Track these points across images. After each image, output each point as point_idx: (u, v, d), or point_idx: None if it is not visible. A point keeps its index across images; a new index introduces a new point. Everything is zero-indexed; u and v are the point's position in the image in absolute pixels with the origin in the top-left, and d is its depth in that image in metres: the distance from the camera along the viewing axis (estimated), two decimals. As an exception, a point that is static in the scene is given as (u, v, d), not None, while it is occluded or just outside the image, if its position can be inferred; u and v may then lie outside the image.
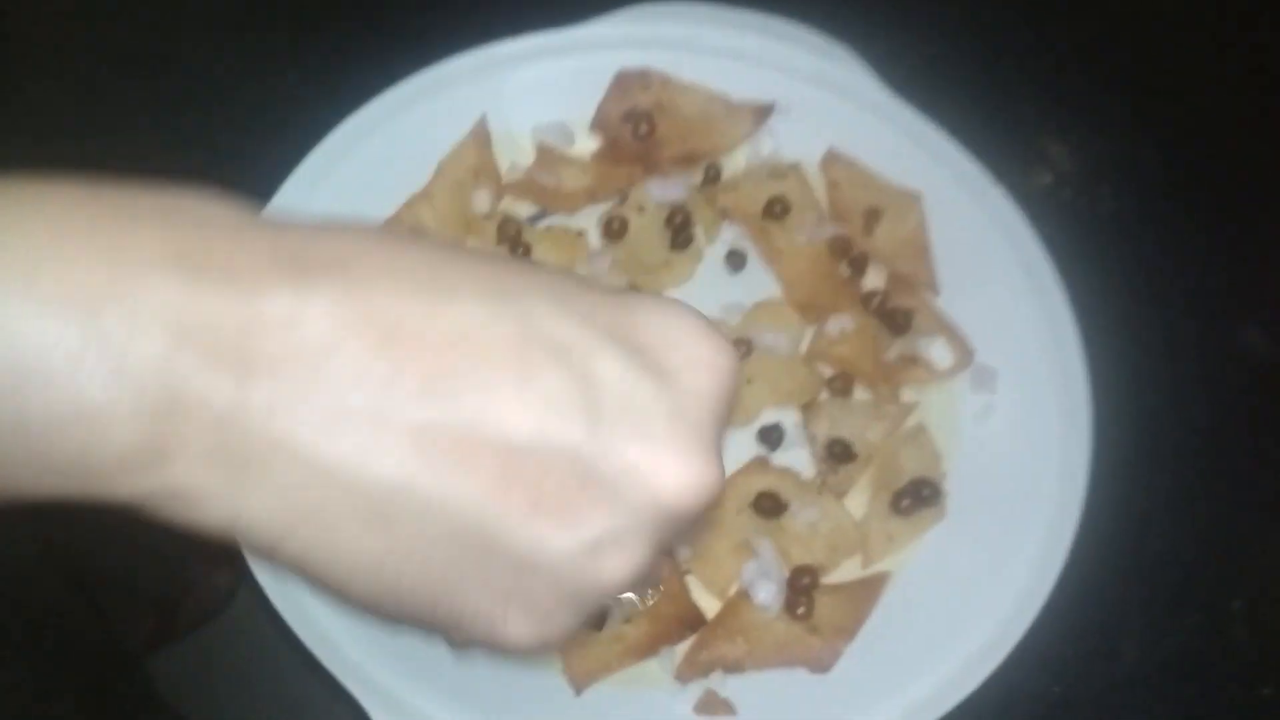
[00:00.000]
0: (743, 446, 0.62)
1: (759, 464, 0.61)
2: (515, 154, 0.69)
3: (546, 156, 0.68)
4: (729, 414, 0.36)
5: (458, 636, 0.37)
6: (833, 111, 0.70)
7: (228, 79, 0.74)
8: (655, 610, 0.56)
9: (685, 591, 0.57)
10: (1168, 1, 0.81)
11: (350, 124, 0.66)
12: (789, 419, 0.62)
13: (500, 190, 0.67)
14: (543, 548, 0.34)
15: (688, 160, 0.69)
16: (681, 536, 0.37)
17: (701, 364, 0.35)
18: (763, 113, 0.70)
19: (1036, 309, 0.64)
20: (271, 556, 0.34)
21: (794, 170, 0.69)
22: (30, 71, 0.75)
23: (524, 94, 0.69)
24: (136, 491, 0.31)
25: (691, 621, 0.57)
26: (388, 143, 0.66)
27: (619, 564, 0.35)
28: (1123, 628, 0.62)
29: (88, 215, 0.30)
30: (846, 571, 0.59)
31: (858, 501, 0.61)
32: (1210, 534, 0.64)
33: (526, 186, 0.67)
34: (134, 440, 0.30)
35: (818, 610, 0.57)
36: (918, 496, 0.60)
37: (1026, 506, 0.59)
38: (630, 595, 0.55)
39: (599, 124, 0.69)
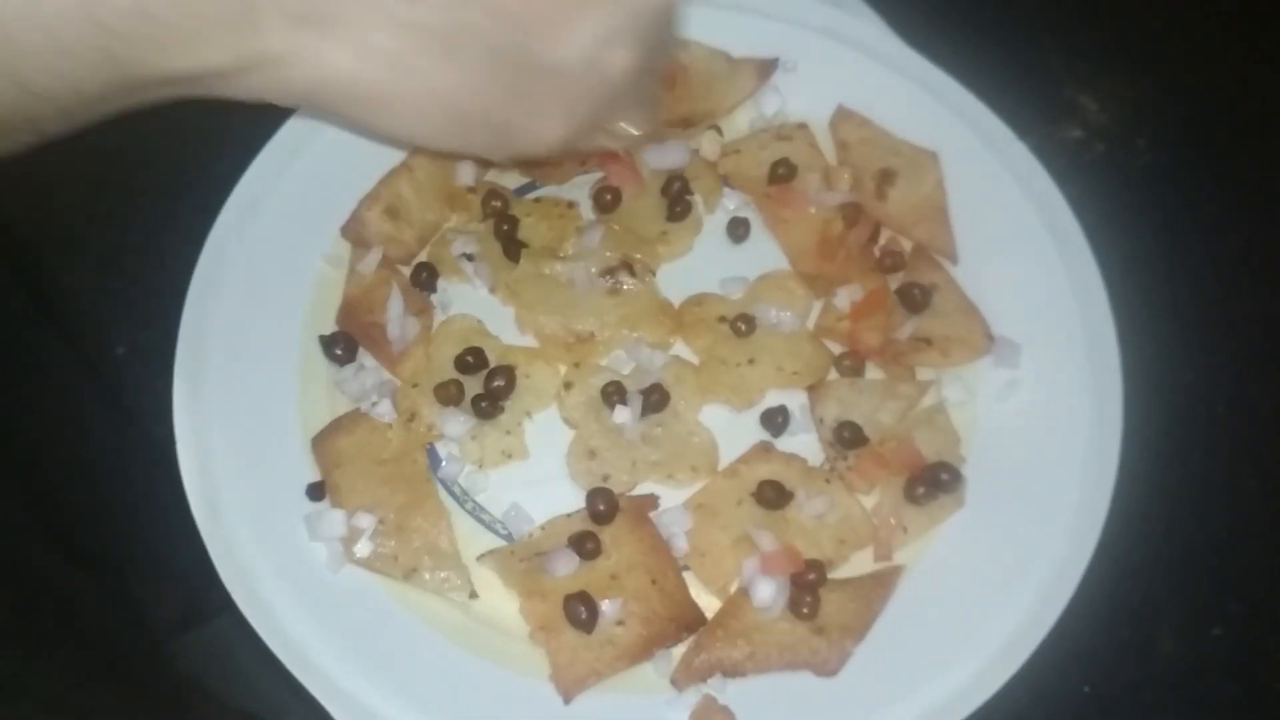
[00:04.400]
0: (745, 431, 0.58)
1: (762, 450, 0.57)
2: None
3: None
4: None
5: (505, 146, 0.47)
6: (842, 65, 0.65)
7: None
8: (648, 610, 0.53)
9: (682, 589, 0.54)
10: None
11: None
12: (795, 401, 0.58)
13: (485, 161, 0.63)
14: (564, 50, 0.43)
15: (685, 123, 0.64)
16: (662, 41, 0.48)
17: None
18: (766, 69, 0.65)
19: (1064, 277, 0.60)
20: (351, 113, 0.41)
21: (800, 131, 0.64)
22: None
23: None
24: (236, 59, 0.37)
25: (689, 622, 0.53)
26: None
27: (620, 58, 0.45)
28: (1158, 620, 0.58)
29: None
30: (857, 566, 0.55)
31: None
32: (1251, 516, 0.60)
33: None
34: (227, 9, 0.36)
35: (824, 609, 0.53)
36: (935, 482, 0.56)
37: (1052, 491, 0.56)
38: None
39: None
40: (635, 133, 0.53)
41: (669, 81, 0.64)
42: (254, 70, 0.38)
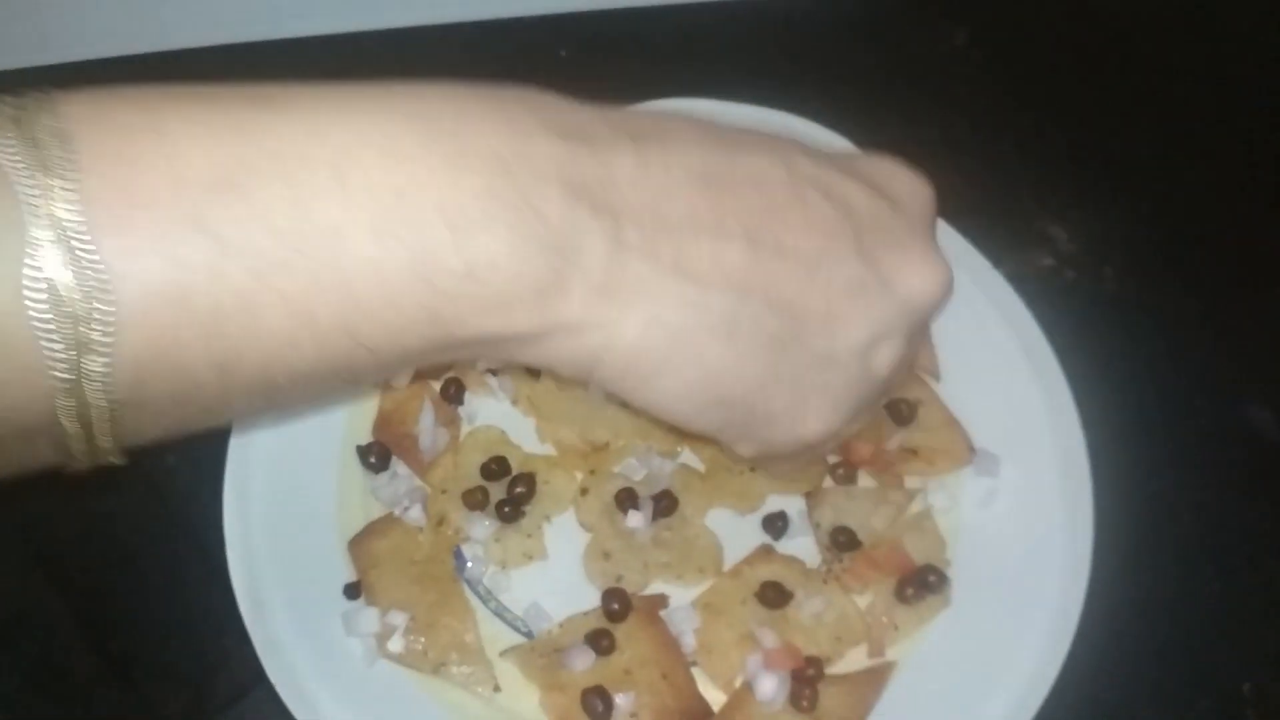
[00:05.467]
0: (748, 535, 0.63)
1: (764, 552, 0.62)
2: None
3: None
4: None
5: (761, 436, 0.46)
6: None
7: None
8: (660, 703, 0.57)
9: (691, 683, 0.58)
10: (1164, 79, 0.83)
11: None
12: (794, 506, 0.63)
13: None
14: (838, 343, 0.44)
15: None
16: (923, 332, 0.50)
17: (914, 190, 0.47)
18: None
19: (1038, 394, 0.65)
20: (623, 383, 0.42)
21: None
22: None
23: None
24: (540, 325, 0.38)
25: (697, 715, 0.57)
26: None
27: (889, 354, 0.46)
28: (1132, 714, 0.62)
29: (462, 103, 0.38)
30: (852, 662, 0.59)
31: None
32: (1218, 616, 0.64)
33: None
34: (542, 277, 0.37)
35: (822, 701, 0.57)
36: (923, 584, 0.60)
37: (1031, 592, 0.60)
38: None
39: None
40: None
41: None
42: (551, 336, 0.39)
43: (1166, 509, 0.66)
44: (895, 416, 0.65)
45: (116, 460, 0.36)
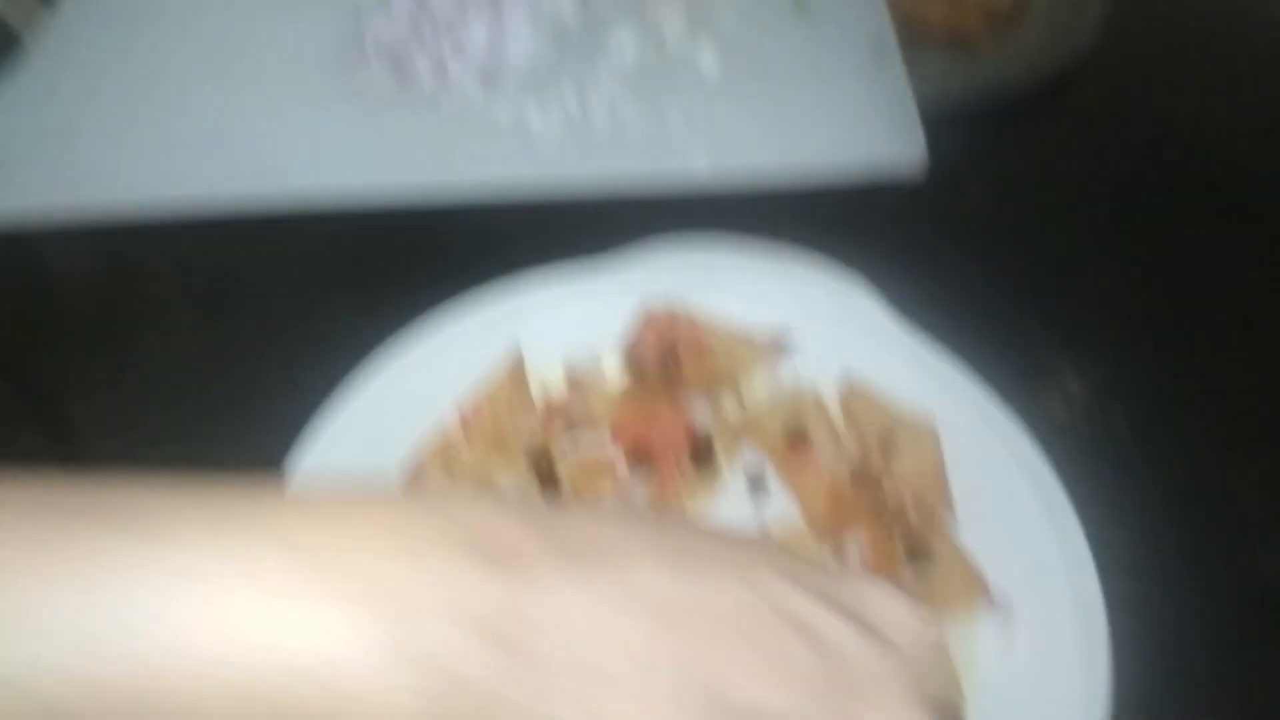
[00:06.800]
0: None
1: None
2: (545, 379, 0.74)
3: (576, 390, 0.72)
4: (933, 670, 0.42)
5: None
6: (848, 339, 0.74)
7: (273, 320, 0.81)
8: None
9: None
10: (1180, 222, 0.85)
11: (386, 351, 0.72)
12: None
13: (535, 422, 0.71)
14: None
15: (709, 385, 0.72)
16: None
17: (913, 634, 0.42)
18: (781, 340, 0.74)
19: (1052, 538, 0.65)
20: None
21: (812, 398, 0.72)
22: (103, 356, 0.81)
23: (552, 323, 0.74)
24: None
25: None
26: (421, 368, 0.72)
27: None
28: None
29: (374, 511, 0.36)
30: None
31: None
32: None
33: (558, 415, 0.71)
34: (415, 714, 0.33)
35: None
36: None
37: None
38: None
39: (628, 362, 0.74)
40: None
41: (694, 350, 0.73)
42: None
43: (1182, 660, 0.66)
44: (911, 555, 0.66)
45: None
